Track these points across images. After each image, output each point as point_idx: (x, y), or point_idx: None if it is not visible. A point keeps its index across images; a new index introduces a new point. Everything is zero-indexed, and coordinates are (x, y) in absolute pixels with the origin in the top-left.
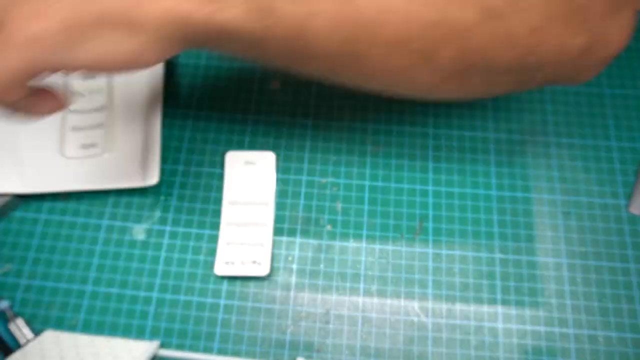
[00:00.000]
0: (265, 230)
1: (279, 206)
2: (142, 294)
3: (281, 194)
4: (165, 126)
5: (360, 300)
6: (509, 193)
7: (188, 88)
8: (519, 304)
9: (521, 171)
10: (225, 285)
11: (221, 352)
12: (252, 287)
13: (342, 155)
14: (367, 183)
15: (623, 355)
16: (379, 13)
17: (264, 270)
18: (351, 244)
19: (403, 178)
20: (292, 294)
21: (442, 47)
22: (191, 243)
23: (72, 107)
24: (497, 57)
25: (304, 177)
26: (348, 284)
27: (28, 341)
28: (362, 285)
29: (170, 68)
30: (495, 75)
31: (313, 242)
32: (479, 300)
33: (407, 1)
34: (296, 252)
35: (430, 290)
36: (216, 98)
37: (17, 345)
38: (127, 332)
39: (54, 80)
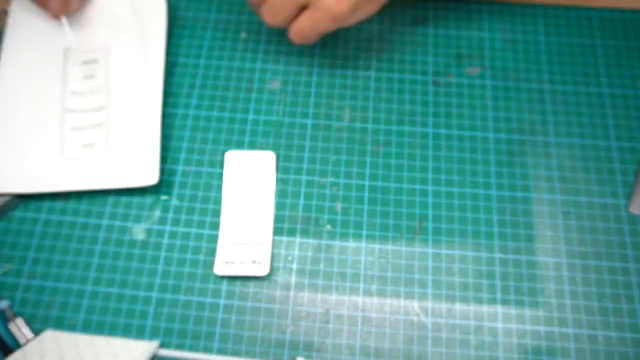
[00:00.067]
0: (265, 230)
1: (279, 206)
2: (142, 294)
3: (281, 194)
4: (165, 126)
5: (360, 300)
6: (509, 193)
7: (188, 88)
8: (519, 304)
9: (521, 171)
10: (225, 285)
11: (221, 352)
12: (252, 287)
13: (342, 155)
14: (367, 183)
15: (623, 355)
16: None
17: (264, 270)
18: (351, 244)
19: (403, 178)
20: (292, 294)
21: None
22: (191, 243)
23: (72, 107)
24: None
25: (304, 177)
26: (348, 284)
27: (28, 341)
28: (362, 285)
29: (170, 68)
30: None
31: (313, 242)
32: (479, 300)
33: None
34: (296, 252)
35: (430, 290)
36: (216, 98)
37: (17, 345)
38: (127, 332)
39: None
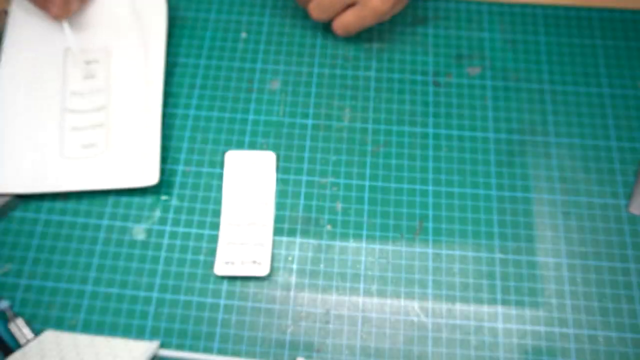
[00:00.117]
0: (265, 230)
1: (279, 206)
2: (142, 294)
3: (281, 194)
4: (165, 126)
5: (360, 300)
6: (509, 193)
7: (188, 88)
8: (519, 304)
9: (521, 171)
10: (225, 285)
11: (221, 352)
12: (252, 287)
13: (342, 155)
14: (367, 183)
15: (623, 355)
16: None
17: (264, 270)
18: (351, 244)
19: (403, 178)
20: (292, 294)
21: None
22: (191, 243)
23: (72, 107)
24: None
25: (304, 177)
26: (348, 284)
27: (28, 341)
28: (362, 285)
29: (170, 68)
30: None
31: (313, 242)
32: (479, 300)
33: None
34: (296, 252)
35: (430, 290)
36: (216, 98)
37: (17, 345)
38: (127, 332)
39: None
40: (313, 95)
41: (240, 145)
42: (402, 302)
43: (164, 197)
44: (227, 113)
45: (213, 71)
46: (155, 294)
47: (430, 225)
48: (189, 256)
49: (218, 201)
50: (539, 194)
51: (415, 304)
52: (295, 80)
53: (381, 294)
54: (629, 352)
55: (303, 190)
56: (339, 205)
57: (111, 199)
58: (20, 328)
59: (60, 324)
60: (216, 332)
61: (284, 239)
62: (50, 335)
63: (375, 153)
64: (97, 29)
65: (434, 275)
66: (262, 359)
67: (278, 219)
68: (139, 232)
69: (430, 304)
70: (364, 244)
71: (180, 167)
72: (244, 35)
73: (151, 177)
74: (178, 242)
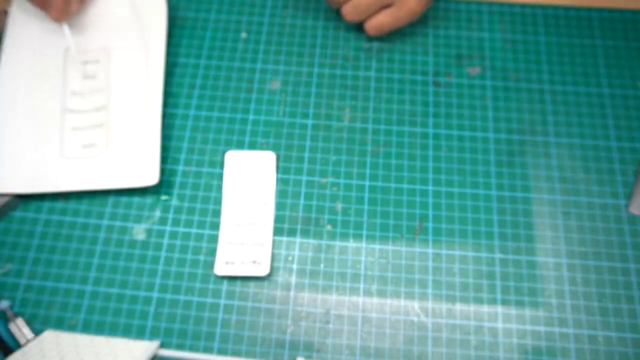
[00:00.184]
0: (265, 230)
1: (279, 206)
2: (142, 294)
3: (281, 194)
4: (165, 126)
5: (360, 300)
6: (509, 193)
7: (188, 88)
8: (519, 304)
9: (521, 171)
10: (225, 285)
11: (221, 352)
12: (252, 287)
13: (342, 155)
14: (367, 183)
15: (623, 355)
16: None
17: (264, 270)
18: (351, 244)
19: (403, 178)
20: (292, 294)
21: None
22: (191, 243)
23: (72, 107)
24: None
25: (304, 177)
26: (348, 284)
27: (28, 341)
28: (362, 285)
29: (170, 68)
30: None
31: (313, 242)
32: (479, 300)
33: None
34: (296, 252)
35: (430, 290)
36: (216, 98)
37: (17, 345)
38: (127, 332)
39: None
40: (313, 95)
41: (240, 145)
42: (402, 302)
43: (164, 197)
44: (227, 113)
45: (213, 71)
46: (155, 294)
47: (430, 225)
48: (189, 256)
49: (218, 201)
50: (539, 194)
51: (415, 304)
52: (295, 80)
53: (381, 294)
54: (628, 352)
55: (303, 190)
56: (339, 205)
57: (111, 199)
58: (20, 328)
59: (60, 324)
60: (216, 332)
61: (284, 239)
62: (50, 335)
63: (375, 153)
64: (97, 29)
65: (434, 275)
66: (262, 359)
67: (278, 219)
68: (139, 232)
69: (430, 304)
70: (364, 244)
71: (180, 167)
72: (244, 35)
73: (151, 177)
74: (178, 242)
